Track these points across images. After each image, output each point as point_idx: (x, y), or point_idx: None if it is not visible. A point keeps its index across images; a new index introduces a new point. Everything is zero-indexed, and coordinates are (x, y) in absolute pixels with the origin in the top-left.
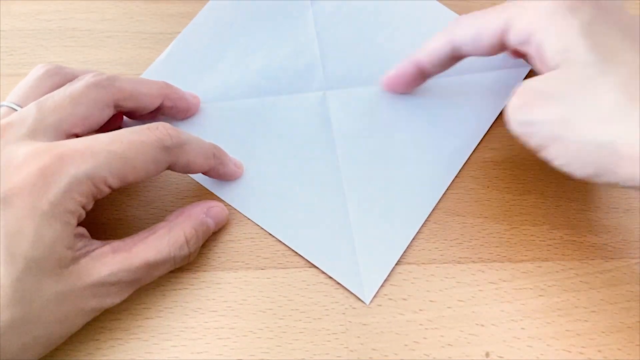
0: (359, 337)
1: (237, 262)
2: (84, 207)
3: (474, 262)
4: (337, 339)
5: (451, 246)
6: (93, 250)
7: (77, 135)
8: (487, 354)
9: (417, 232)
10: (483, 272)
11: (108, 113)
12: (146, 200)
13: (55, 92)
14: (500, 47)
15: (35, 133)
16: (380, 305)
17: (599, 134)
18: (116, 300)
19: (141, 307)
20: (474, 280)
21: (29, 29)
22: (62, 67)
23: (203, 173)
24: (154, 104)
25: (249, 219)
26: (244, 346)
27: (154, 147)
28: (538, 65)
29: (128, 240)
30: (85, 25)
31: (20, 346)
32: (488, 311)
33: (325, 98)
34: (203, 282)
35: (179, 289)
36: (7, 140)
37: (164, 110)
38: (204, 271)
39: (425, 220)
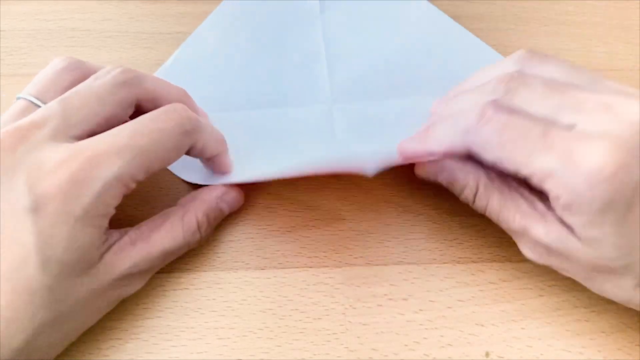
0: (359, 337)
1: (237, 262)
2: (115, 208)
3: (474, 262)
4: (337, 339)
5: (451, 246)
6: (113, 243)
7: (96, 133)
8: (487, 354)
9: (417, 232)
10: (483, 272)
11: (129, 113)
12: (146, 200)
13: (81, 87)
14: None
15: (59, 134)
16: (380, 305)
17: (617, 297)
18: (137, 287)
19: (141, 307)
20: (474, 280)
21: (29, 29)
22: (82, 61)
23: (207, 160)
24: None
25: (249, 219)
26: (244, 346)
27: (175, 133)
28: (552, 204)
29: (144, 228)
30: (85, 25)
31: (51, 343)
32: (488, 311)
33: (331, 112)
34: (203, 282)
35: (179, 289)
36: (33, 144)
37: None
38: (204, 271)
39: (426, 221)
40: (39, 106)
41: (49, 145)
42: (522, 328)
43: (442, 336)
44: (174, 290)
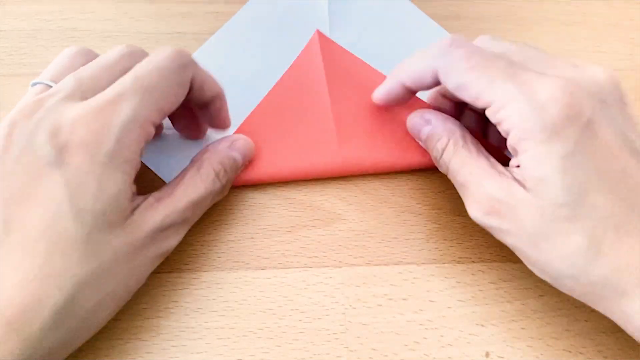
0: (359, 337)
1: (237, 262)
2: (140, 154)
3: (473, 262)
4: (337, 339)
5: (451, 246)
6: (140, 203)
7: None
8: (487, 354)
9: (417, 232)
10: (483, 272)
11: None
12: None
13: (90, 63)
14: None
15: (72, 96)
16: (380, 305)
17: (563, 267)
18: (173, 242)
19: (141, 307)
20: (474, 280)
21: (29, 29)
22: (91, 49)
23: (204, 109)
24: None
25: (249, 219)
26: (244, 346)
27: (173, 67)
28: (508, 143)
29: (165, 188)
30: (85, 25)
31: (95, 302)
32: (488, 311)
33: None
34: (203, 282)
35: (179, 289)
36: (48, 107)
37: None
38: (204, 271)
39: (426, 221)
40: (51, 86)
41: (63, 106)
42: (522, 328)
43: (442, 336)
44: (174, 290)
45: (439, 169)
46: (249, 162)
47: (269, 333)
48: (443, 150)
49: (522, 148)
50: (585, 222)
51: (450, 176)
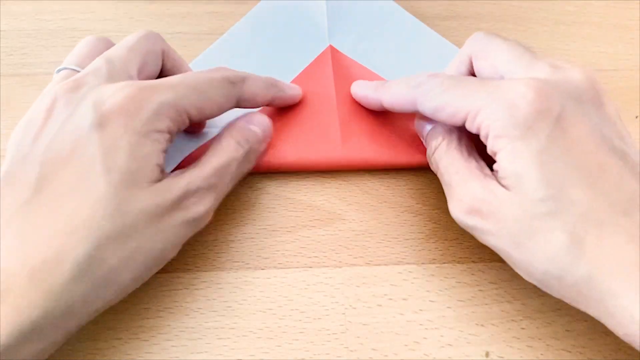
0: (359, 337)
1: (237, 262)
2: (170, 132)
3: (474, 262)
4: (337, 339)
5: (451, 246)
6: (168, 175)
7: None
8: (487, 354)
9: (417, 232)
10: (483, 272)
11: (159, 64)
12: None
13: (113, 47)
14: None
15: (112, 77)
16: (380, 305)
17: (547, 267)
18: (200, 208)
19: (141, 307)
20: (474, 280)
21: (29, 29)
22: (109, 39)
23: (268, 105)
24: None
25: (249, 219)
26: (244, 346)
27: (221, 82)
28: (488, 146)
29: (190, 161)
30: (85, 25)
31: (119, 260)
32: (488, 311)
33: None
34: (203, 282)
35: (179, 289)
36: (92, 84)
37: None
38: (204, 271)
39: (426, 221)
40: (78, 71)
41: (107, 84)
42: (522, 328)
43: (442, 336)
44: (174, 290)
45: (431, 167)
46: (270, 138)
47: (269, 333)
48: (436, 149)
49: (498, 147)
50: (566, 218)
51: (438, 175)
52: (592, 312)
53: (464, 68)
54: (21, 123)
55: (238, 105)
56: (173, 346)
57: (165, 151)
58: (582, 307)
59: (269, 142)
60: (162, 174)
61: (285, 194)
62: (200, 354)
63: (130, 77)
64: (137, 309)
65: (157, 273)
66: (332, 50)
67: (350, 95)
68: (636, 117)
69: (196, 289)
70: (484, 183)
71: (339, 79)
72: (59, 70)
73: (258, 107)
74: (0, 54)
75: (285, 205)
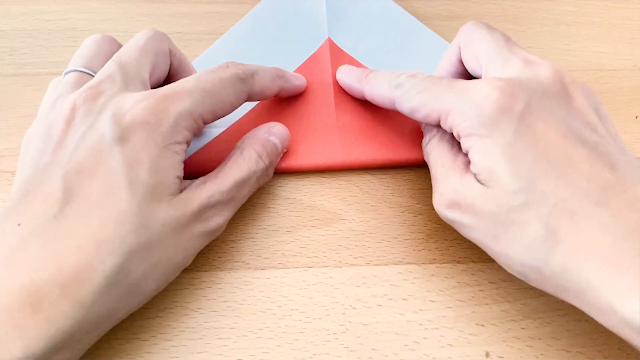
0: (359, 337)
1: (237, 262)
2: (187, 142)
3: (474, 262)
4: (337, 339)
5: (451, 246)
6: (188, 185)
7: (152, 84)
8: (487, 354)
9: (417, 232)
10: (483, 272)
11: (167, 62)
12: None
13: (122, 49)
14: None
15: (127, 85)
16: (380, 305)
17: (525, 259)
18: (219, 221)
19: (141, 307)
20: (474, 280)
21: (29, 29)
22: (114, 38)
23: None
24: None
25: (249, 219)
26: (244, 346)
27: (232, 81)
28: (462, 145)
29: (211, 173)
30: (85, 25)
31: (143, 272)
32: (488, 311)
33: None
34: (203, 282)
35: (179, 289)
36: (110, 94)
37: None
38: (204, 271)
39: (426, 221)
40: (90, 74)
41: (124, 94)
42: (522, 328)
43: (442, 336)
44: (174, 290)
45: (425, 159)
46: (286, 149)
47: (269, 333)
48: (429, 141)
49: (469, 145)
50: (539, 209)
51: (429, 167)
52: (574, 302)
53: (455, 58)
54: (37, 131)
55: (247, 99)
56: (173, 346)
57: (183, 161)
58: (565, 298)
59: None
60: (182, 184)
61: (285, 194)
62: (200, 354)
63: (144, 82)
64: (137, 309)
65: None
66: (331, 44)
67: (349, 94)
68: (636, 117)
69: (196, 289)
70: (464, 178)
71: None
72: (67, 73)
73: (265, 99)
74: (0, 54)
75: (285, 205)
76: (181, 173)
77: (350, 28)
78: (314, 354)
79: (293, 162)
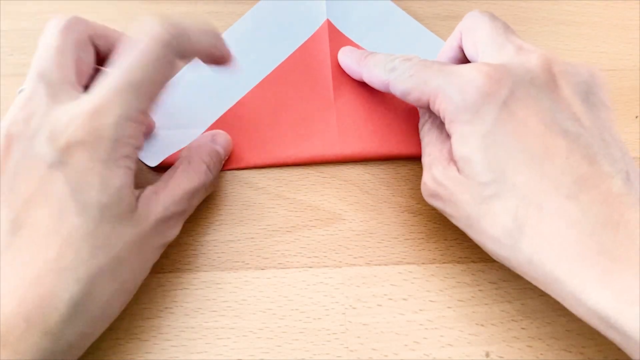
0: (359, 337)
1: (237, 262)
2: (137, 148)
3: (474, 262)
4: (337, 339)
5: (451, 246)
6: (139, 196)
7: (82, 83)
8: (487, 354)
9: (417, 232)
10: (483, 272)
11: (91, 51)
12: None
13: (37, 54)
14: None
15: (55, 95)
16: (380, 305)
17: (495, 249)
18: (174, 232)
19: (141, 307)
20: (474, 280)
21: (29, 29)
22: (78, 18)
23: (207, 61)
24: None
25: (249, 219)
26: (244, 346)
27: (159, 52)
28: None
29: (160, 182)
30: None
31: (111, 293)
32: (488, 311)
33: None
34: (203, 282)
35: (179, 289)
36: (40, 114)
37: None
38: (204, 271)
39: (426, 221)
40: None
41: (55, 108)
42: (522, 328)
43: (442, 336)
44: (174, 290)
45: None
46: (227, 156)
47: (269, 333)
48: (423, 126)
49: (451, 131)
50: (507, 201)
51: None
52: (547, 292)
53: (455, 44)
54: None
55: (183, 61)
56: (173, 346)
57: (134, 169)
58: (539, 287)
59: (260, 135)
60: (136, 198)
61: (285, 194)
62: (200, 354)
63: (72, 84)
64: (137, 309)
65: (157, 273)
66: (330, 26)
67: (347, 75)
68: (636, 117)
69: (196, 289)
70: (447, 168)
71: (335, 54)
72: (20, 91)
73: (203, 61)
74: (0, 54)
75: (285, 205)
76: (133, 185)
77: (350, 28)
78: (314, 354)
79: (290, 150)
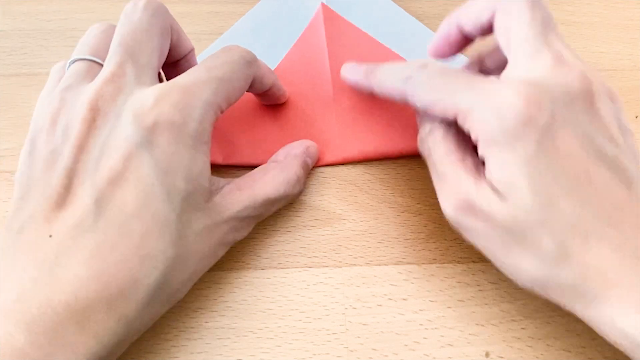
0: (359, 337)
1: (237, 262)
2: (211, 137)
3: (474, 262)
4: (337, 339)
5: (451, 246)
6: (222, 187)
7: (161, 63)
8: (487, 354)
9: (417, 232)
10: (483, 272)
11: (169, 41)
12: None
13: (125, 31)
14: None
15: (140, 76)
16: (380, 305)
17: (534, 273)
18: (244, 233)
19: None
20: (474, 280)
21: (29, 29)
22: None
23: (262, 94)
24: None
25: None
26: (244, 346)
27: (241, 64)
28: (479, 150)
29: (247, 179)
30: (85, 25)
31: (181, 282)
32: (488, 311)
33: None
34: (203, 282)
35: None
36: (127, 91)
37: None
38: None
39: (426, 221)
40: (99, 63)
41: (140, 88)
42: (522, 328)
43: (442, 336)
44: None
45: (419, 149)
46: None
47: (269, 333)
48: (430, 133)
49: (487, 153)
50: (554, 228)
51: (429, 162)
52: (574, 311)
53: (485, 17)
54: (45, 126)
55: (249, 88)
56: (173, 346)
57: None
58: (568, 308)
59: (260, 135)
60: (214, 186)
61: None
62: (200, 354)
63: (155, 69)
64: None
65: None
66: (324, 9)
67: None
68: (636, 117)
69: (196, 289)
70: (479, 184)
71: (333, 45)
72: (73, 61)
73: (262, 90)
74: (0, 54)
75: (285, 206)
76: (210, 174)
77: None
78: (314, 354)
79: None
